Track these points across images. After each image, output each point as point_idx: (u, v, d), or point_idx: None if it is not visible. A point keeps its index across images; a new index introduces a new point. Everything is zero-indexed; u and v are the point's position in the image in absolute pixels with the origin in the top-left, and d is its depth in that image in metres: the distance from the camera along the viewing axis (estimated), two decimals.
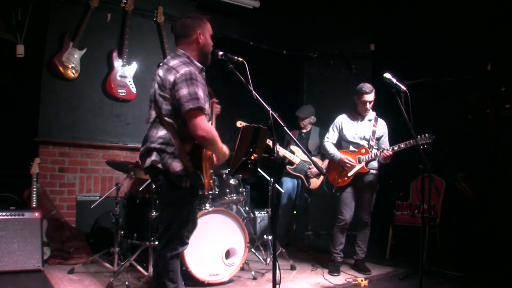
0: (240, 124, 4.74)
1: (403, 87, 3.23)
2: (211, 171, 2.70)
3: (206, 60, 2.71)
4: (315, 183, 5.15)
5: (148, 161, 2.54)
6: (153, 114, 2.56)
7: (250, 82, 2.51)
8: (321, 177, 5.14)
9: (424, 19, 5.73)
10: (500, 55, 5.04)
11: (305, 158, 5.11)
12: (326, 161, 5.18)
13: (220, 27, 6.13)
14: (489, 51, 5.14)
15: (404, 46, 5.93)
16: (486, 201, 4.98)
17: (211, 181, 2.65)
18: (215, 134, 2.49)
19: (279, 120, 2.48)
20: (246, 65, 2.54)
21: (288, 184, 5.22)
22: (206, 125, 2.45)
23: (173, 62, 2.53)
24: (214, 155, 2.71)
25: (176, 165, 2.47)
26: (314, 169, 5.07)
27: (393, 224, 4.96)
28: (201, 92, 2.46)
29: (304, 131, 5.35)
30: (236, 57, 2.59)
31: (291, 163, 5.14)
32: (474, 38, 5.20)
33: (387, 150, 3.96)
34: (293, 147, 5.19)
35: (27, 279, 3.49)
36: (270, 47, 6.48)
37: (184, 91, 2.41)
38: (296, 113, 5.35)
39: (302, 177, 5.15)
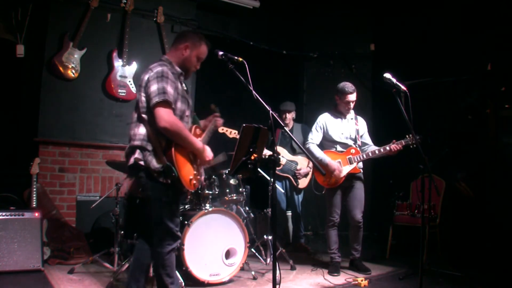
0: (221, 129, 4.44)
1: (403, 87, 3.23)
2: (195, 168, 2.72)
3: (185, 74, 2.83)
4: (303, 182, 5.09)
5: (132, 159, 2.61)
6: (135, 114, 2.69)
7: (250, 82, 2.51)
8: (309, 176, 5.08)
9: (424, 19, 5.73)
10: (500, 55, 5.03)
11: (291, 157, 5.07)
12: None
13: (220, 27, 6.14)
14: (489, 51, 5.14)
15: (404, 46, 5.92)
16: (486, 201, 4.97)
17: (194, 180, 2.68)
18: (180, 126, 2.55)
19: (279, 120, 2.49)
20: (246, 65, 2.55)
21: (277, 185, 5.11)
22: (170, 117, 2.52)
23: (152, 65, 2.68)
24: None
25: (156, 162, 2.55)
26: (303, 170, 5.01)
27: (393, 224, 4.95)
28: (170, 89, 2.56)
29: (287, 129, 5.21)
30: (236, 57, 2.61)
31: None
32: (474, 38, 5.19)
33: (396, 144, 3.96)
34: (278, 148, 5.01)
35: (27, 279, 3.49)
36: (270, 47, 6.48)
37: (154, 87, 2.54)
38: (281, 108, 5.15)
39: (290, 177, 5.08)
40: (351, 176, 4.14)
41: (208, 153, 2.74)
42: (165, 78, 2.57)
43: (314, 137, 4.24)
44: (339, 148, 4.17)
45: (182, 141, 2.59)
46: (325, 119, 4.25)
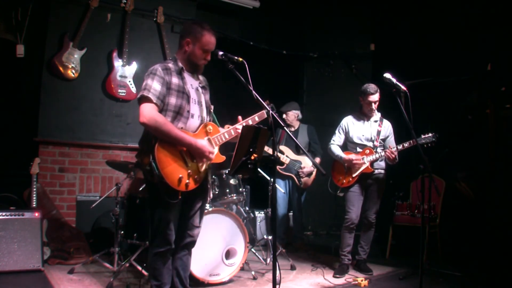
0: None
1: (403, 87, 3.24)
2: (189, 166, 2.58)
3: (194, 69, 2.74)
4: (306, 182, 5.10)
5: (136, 160, 2.65)
6: None
7: (250, 82, 2.52)
8: (312, 176, 5.09)
9: (424, 19, 5.73)
10: (500, 55, 5.03)
11: (295, 157, 5.08)
12: (317, 159, 5.14)
13: (220, 27, 6.12)
14: (489, 51, 5.13)
15: (404, 46, 5.92)
16: (486, 201, 4.97)
17: (186, 179, 2.53)
18: (159, 121, 2.45)
19: (278, 120, 2.49)
20: (246, 65, 2.55)
21: (280, 185, 5.11)
22: (149, 112, 2.45)
23: None
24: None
25: (146, 160, 2.49)
26: (306, 169, 5.03)
27: (393, 224, 4.96)
28: (156, 84, 2.51)
29: (292, 129, 5.23)
30: (236, 57, 2.61)
31: (281, 163, 5.04)
32: (474, 38, 5.19)
33: (390, 149, 3.95)
34: (282, 147, 5.10)
35: (27, 279, 3.48)
36: (270, 47, 6.48)
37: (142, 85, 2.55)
38: (280, 109, 5.20)
39: (293, 176, 5.09)
40: (367, 176, 4.13)
41: (205, 148, 2.57)
42: (151, 75, 2.53)
43: (336, 139, 4.28)
44: (358, 149, 4.17)
45: (166, 137, 2.47)
46: (347, 121, 4.26)
